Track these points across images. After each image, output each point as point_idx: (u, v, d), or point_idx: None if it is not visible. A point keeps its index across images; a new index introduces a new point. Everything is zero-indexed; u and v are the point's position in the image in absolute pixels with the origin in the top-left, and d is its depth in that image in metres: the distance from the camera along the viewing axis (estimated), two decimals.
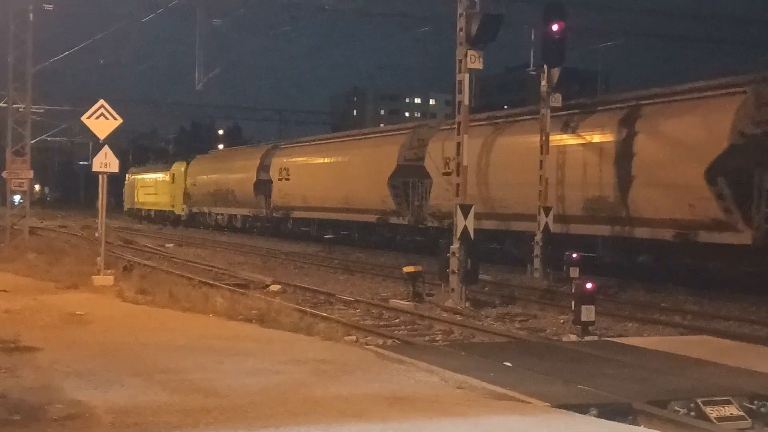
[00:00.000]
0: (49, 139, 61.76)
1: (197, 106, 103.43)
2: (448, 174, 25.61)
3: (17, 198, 35.70)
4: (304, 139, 47.29)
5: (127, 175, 70.48)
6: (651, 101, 23.14)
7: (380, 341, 13.05)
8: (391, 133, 36.43)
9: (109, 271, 19.21)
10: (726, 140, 19.86)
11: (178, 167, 58.99)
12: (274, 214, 43.46)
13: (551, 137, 24.17)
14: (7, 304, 13.98)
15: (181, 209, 57.60)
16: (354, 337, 13.11)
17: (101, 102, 18.86)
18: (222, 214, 51.66)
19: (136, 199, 69.10)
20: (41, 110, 43.19)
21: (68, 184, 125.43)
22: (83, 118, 19.03)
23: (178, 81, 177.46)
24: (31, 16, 31.31)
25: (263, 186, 44.40)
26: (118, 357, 9.84)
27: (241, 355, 10.11)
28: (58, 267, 20.86)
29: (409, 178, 32.35)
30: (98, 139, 19.32)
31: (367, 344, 12.32)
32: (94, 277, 18.13)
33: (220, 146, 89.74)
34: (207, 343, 10.93)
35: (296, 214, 41.23)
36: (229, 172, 49.21)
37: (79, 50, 38.00)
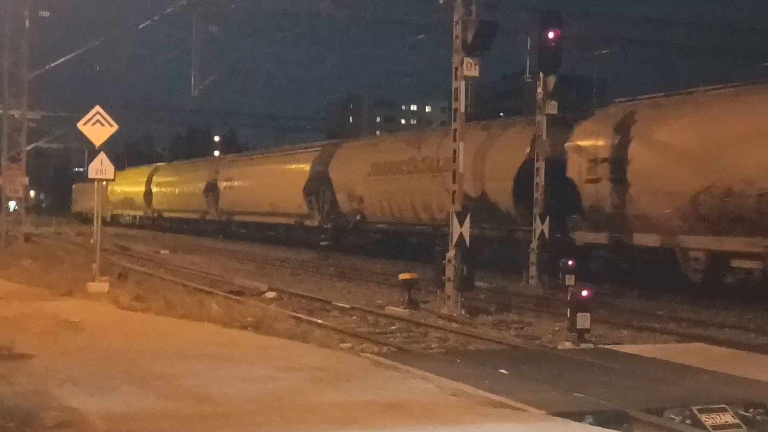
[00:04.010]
0: (44, 145, 61.72)
1: (193, 113, 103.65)
2: (346, 185, 34.88)
3: (12, 204, 35.66)
4: (246, 153, 57.46)
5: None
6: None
7: (376, 348, 13.03)
8: (306, 150, 43.04)
9: (104, 277, 19.15)
10: None
11: (141, 174, 65.66)
12: (221, 218, 50.77)
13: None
14: (1, 311, 13.96)
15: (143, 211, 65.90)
16: (349, 344, 13.09)
17: (97, 108, 18.84)
18: (173, 217, 59.75)
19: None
20: (37, 117, 43.20)
21: (64, 190, 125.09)
22: (79, 125, 19.01)
23: (174, 87, 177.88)
24: (27, 22, 31.34)
25: (212, 193, 51.41)
26: (112, 364, 9.82)
27: (237, 362, 10.10)
28: (53, 273, 20.83)
29: (318, 187, 38.17)
30: (94, 145, 19.30)
31: (363, 351, 12.30)
32: (89, 283, 18.08)
33: (216, 152, 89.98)
34: (202, 350, 10.91)
35: (238, 217, 48.52)
36: (185, 181, 57.17)
37: (75, 57, 37.82)
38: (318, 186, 38.08)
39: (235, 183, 48.55)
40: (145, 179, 63.79)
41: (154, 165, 70.01)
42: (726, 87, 20.99)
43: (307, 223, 39.53)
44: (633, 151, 21.66)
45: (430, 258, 23.43)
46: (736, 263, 19.40)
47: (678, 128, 20.88)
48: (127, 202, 68.54)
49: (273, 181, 43.17)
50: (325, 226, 37.64)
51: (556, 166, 23.79)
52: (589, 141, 23.08)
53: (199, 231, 53.80)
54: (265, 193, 43.84)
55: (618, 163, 21.89)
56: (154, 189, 63.20)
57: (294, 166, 41.68)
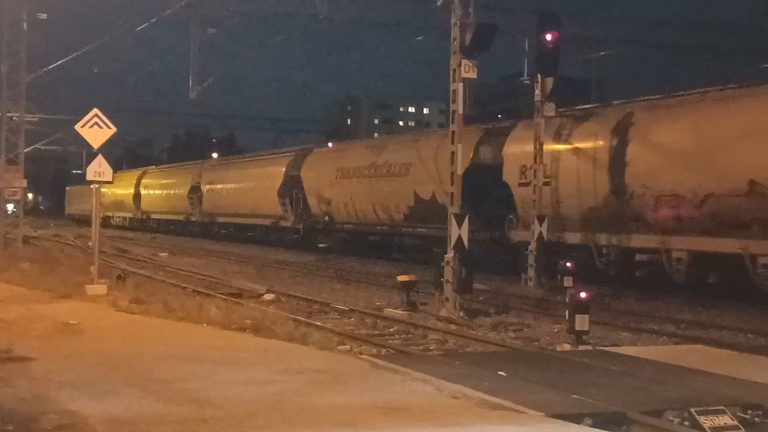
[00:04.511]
0: (42, 147, 61.69)
1: (191, 115, 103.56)
2: (316, 188, 37.88)
3: (11, 207, 35.62)
4: (227, 158, 61.45)
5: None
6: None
7: (375, 351, 13.04)
8: (281, 155, 45.96)
9: (103, 280, 19.16)
10: None
11: (131, 177, 67.67)
12: (203, 219, 53.53)
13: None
14: (0, 314, 13.94)
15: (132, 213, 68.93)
16: (348, 347, 13.09)
17: (95, 111, 18.84)
18: (161, 218, 62.46)
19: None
20: (35, 119, 43.16)
21: (62, 193, 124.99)
22: (77, 127, 19.00)
23: (172, 90, 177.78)
24: (25, 25, 31.29)
25: (196, 195, 54.11)
26: (112, 367, 9.82)
27: (236, 365, 10.11)
28: (52, 276, 20.82)
29: (291, 190, 40.99)
30: (92, 147, 19.29)
31: (362, 354, 12.31)
32: (87, 286, 18.08)
33: (214, 155, 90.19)
34: (202, 352, 10.92)
35: (220, 219, 51.23)
36: (171, 185, 60.30)
37: (73, 59, 37.85)
38: (291, 189, 40.97)
39: (217, 186, 51.52)
40: (134, 182, 66.24)
41: (143, 169, 72.54)
42: (634, 101, 23.65)
43: (282, 223, 42.46)
44: (552, 157, 24.33)
45: (389, 256, 28.98)
46: (638, 257, 21.86)
47: (595, 138, 23.20)
48: (118, 204, 69.85)
49: (251, 185, 46.07)
50: (297, 227, 40.75)
51: (495, 170, 26.32)
52: (520, 148, 25.62)
53: (185, 232, 56.65)
54: (244, 195, 46.75)
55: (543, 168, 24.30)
56: (143, 191, 65.59)
57: (270, 170, 44.57)
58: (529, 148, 24.35)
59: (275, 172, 43.31)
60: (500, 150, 26.81)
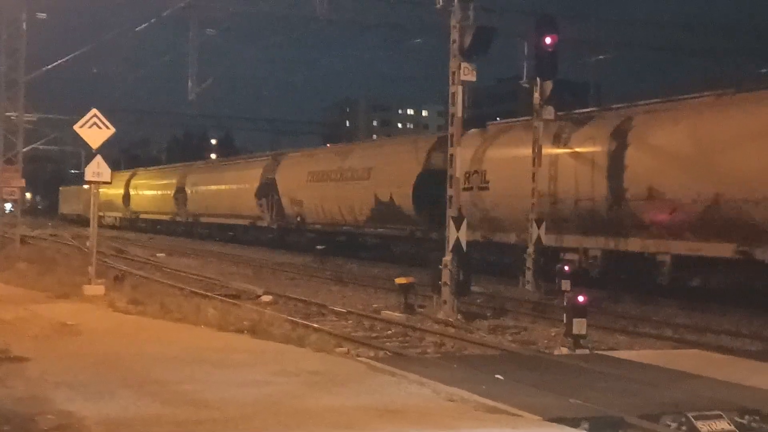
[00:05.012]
0: (40, 147, 61.67)
1: (190, 116, 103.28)
2: (289, 190, 40.49)
3: (8, 206, 35.62)
4: (210, 161, 65.82)
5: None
6: None
7: (372, 353, 13.02)
8: (258, 159, 49.38)
9: (100, 280, 19.14)
10: None
11: (121, 178, 68.38)
12: (188, 219, 55.96)
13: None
14: None
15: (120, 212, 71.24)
16: (346, 349, 13.08)
17: (94, 111, 18.81)
18: (148, 218, 64.67)
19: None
20: (33, 119, 43.17)
21: (58, 192, 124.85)
22: (76, 127, 18.97)
23: (171, 90, 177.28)
24: (24, 24, 31.31)
25: (181, 196, 56.50)
26: (109, 368, 9.81)
27: (233, 367, 10.10)
28: (49, 276, 20.78)
29: (267, 192, 43.26)
30: (90, 148, 19.27)
31: (359, 356, 12.29)
32: (85, 286, 18.07)
33: (213, 155, 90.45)
34: (199, 354, 10.91)
35: (203, 219, 53.73)
36: (159, 186, 62.84)
37: (72, 59, 37.88)
38: (267, 191, 43.47)
39: (200, 188, 54.17)
40: (124, 183, 68.01)
41: (133, 170, 74.59)
42: (570, 114, 25.23)
43: (259, 223, 45.05)
44: (488, 165, 26.86)
45: (357, 254, 31.17)
46: (567, 256, 22.93)
47: (524, 147, 24.41)
48: (108, 204, 70.78)
49: (231, 187, 48.73)
50: (273, 226, 43.46)
51: (444, 176, 26.58)
52: (464, 155, 26.52)
53: (170, 231, 59.32)
54: (225, 196, 49.49)
55: (481, 174, 26.97)
56: (132, 192, 68.02)
57: (248, 173, 47.06)
58: (470, 155, 26.67)
59: (253, 174, 45.76)
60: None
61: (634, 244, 21.96)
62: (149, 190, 65.21)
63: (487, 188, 26.73)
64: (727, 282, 20.57)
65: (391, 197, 32.11)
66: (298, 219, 40.25)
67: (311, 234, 40.00)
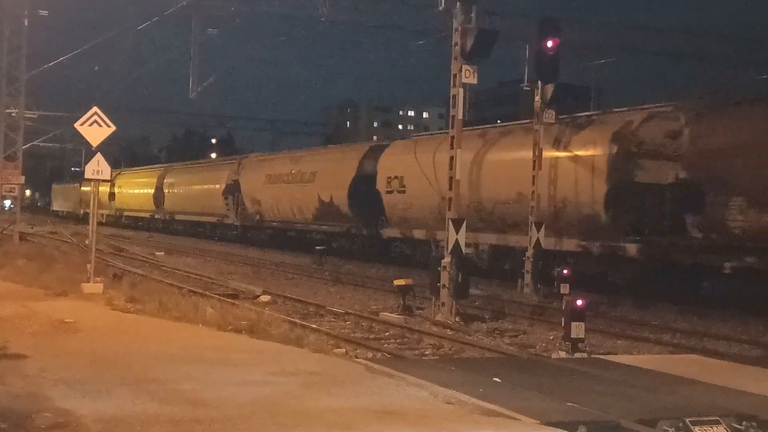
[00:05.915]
0: (40, 144, 61.65)
1: (190, 115, 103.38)
2: (250, 191, 45.09)
3: (8, 203, 35.62)
4: (184, 162, 68.28)
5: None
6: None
7: (370, 354, 13.03)
8: (226, 162, 54.68)
9: (99, 278, 19.13)
10: None
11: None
12: (165, 217, 60.74)
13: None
14: None
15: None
16: (344, 350, 13.08)
17: (95, 109, 18.81)
18: (131, 215, 69.51)
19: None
20: (34, 116, 43.17)
21: None
22: (76, 125, 18.97)
23: (171, 89, 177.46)
24: (26, 21, 31.31)
25: (160, 195, 61.17)
26: (106, 366, 9.81)
27: (231, 366, 10.09)
28: (48, 274, 20.74)
29: (232, 192, 47.78)
30: (91, 145, 19.26)
31: (357, 357, 12.29)
32: (83, 284, 18.05)
33: (213, 155, 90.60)
34: (197, 353, 10.90)
35: (178, 216, 58.18)
36: (140, 185, 67.40)
37: (73, 57, 37.86)
38: (232, 191, 47.97)
39: (176, 188, 58.88)
40: (110, 182, 69.98)
41: (118, 170, 77.65)
42: (472, 129, 28.15)
43: (226, 220, 49.68)
44: (406, 171, 30.47)
45: (309, 249, 34.57)
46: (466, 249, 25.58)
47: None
48: (132, 200, 73.15)
49: (202, 187, 53.20)
50: (236, 224, 48.05)
51: (372, 180, 32.77)
52: (390, 162, 32.50)
53: (150, 227, 63.09)
54: (196, 196, 53.94)
55: (400, 179, 30.92)
56: (117, 191, 71.95)
57: (217, 174, 51.62)
58: (394, 162, 31.86)
59: (221, 176, 50.45)
60: (376, 164, 33.31)
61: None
62: (132, 189, 69.57)
63: (404, 191, 30.73)
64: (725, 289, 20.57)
65: (331, 198, 36.71)
66: (258, 217, 44.68)
67: (269, 230, 44.56)
